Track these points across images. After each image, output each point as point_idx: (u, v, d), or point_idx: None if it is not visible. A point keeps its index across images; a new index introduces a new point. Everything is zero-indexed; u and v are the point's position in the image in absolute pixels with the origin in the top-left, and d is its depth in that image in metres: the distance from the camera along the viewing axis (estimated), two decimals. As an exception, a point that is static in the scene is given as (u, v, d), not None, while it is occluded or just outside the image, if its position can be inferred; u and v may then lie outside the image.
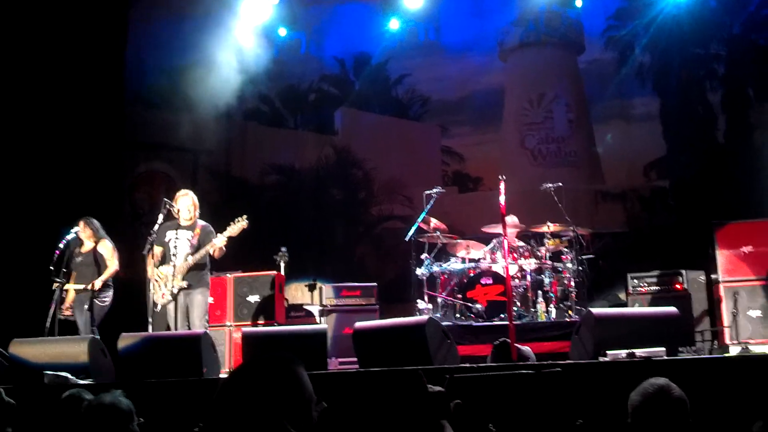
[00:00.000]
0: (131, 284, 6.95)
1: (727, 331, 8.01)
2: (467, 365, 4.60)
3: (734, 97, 11.00)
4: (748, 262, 8.26)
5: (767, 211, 8.70)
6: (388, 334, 5.33)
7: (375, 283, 8.38)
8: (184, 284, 6.40)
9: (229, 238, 6.45)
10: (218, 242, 6.38)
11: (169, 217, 6.58)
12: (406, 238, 7.97)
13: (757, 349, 7.05)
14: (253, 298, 8.34)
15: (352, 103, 11.91)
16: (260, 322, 8.16)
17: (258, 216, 6.81)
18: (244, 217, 6.45)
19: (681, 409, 2.65)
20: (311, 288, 9.16)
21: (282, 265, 8.63)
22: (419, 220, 8.06)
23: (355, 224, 11.12)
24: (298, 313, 8.96)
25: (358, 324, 5.49)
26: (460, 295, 8.09)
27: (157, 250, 6.46)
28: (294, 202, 11.22)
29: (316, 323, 8.19)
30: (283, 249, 8.62)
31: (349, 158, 11.82)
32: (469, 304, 7.95)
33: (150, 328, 6.23)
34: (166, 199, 6.54)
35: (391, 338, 5.24)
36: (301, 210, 11.08)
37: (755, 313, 8.03)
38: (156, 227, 6.43)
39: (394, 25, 11.18)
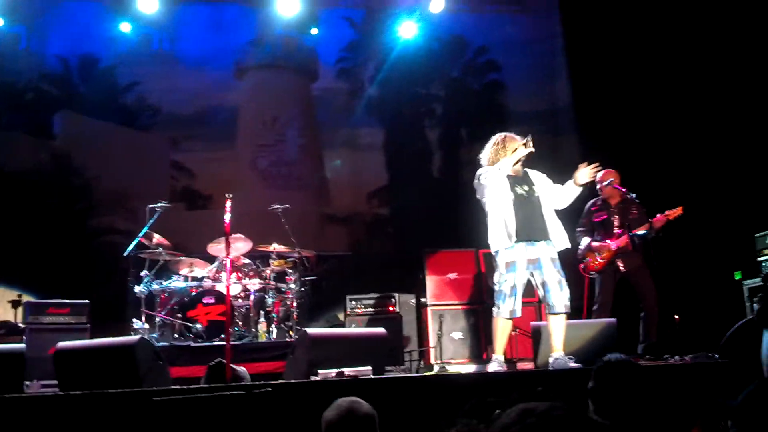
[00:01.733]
0: None
1: (432, 352, 8.71)
2: (175, 387, 4.50)
3: (449, 135, 12.04)
4: (452, 288, 9.09)
5: (470, 242, 9.57)
6: (94, 355, 5.05)
7: (87, 300, 7.88)
8: None
9: None
10: None
11: None
12: (125, 254, 7.65)
13: (455, 368, 7.74)
14: (-58, 312, 7.46)
15: (75, 107, 11.11)
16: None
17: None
18: None
19: (369, 424, 2.84)
20: (15, 304, 8.38)
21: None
22: (141, 234, 7.77)
23: (71, 236, 10.36)
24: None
25: (61, 344, 5.15)
26: (180, 315, 7.92)
27: None
28: (2, 207, 10.19)
29: (15, 342, 7.49)
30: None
31: (68, 165, 11.00)
32: (189, 324, 7.81)
33: None
34: None
35: (96, 359, 4.97)
36: (9, 217, 10.09)
37: (457, 335, 8.84)
38: None
39: (125, 28, 10.70)
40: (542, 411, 1.58)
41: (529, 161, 6.15)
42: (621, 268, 7.29)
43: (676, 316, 7.34)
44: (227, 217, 7.00)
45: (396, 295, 9.21)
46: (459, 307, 9.00)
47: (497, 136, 6.11)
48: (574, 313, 8.17)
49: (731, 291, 7.51)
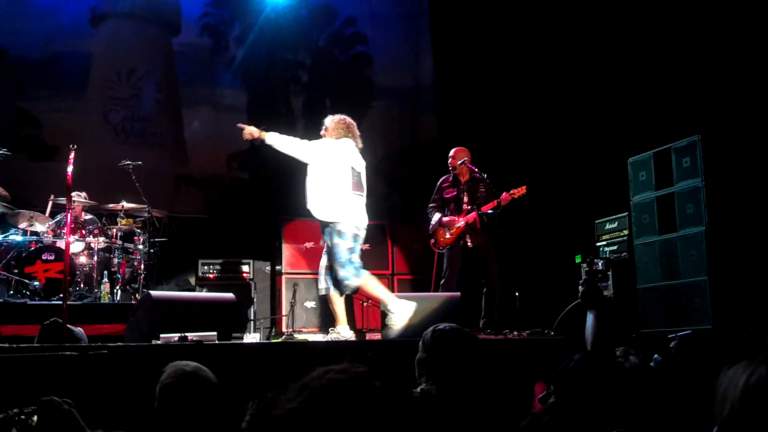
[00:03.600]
0: None
1: (284, 319, 8.70)
2: (4, 345, 4.24)
3: (313, 103, 11.95)
4: (308, 257, 9.10)
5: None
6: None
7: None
8: None
9: None
10: None
11: None
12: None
13: (308, 337, 7.78)
14: None
15: None
16: None
17: None
18: None
19: (211, 393, 2.78)
20: None
21: None
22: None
23: None
24: None
25: None
26: (16, 270, 7.53)
27: None
28: None
29: None
30: None
31: None
32: (26, 281, 7.43)
33: None
34: None
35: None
36: None
37: (310, 304, 8.87)
38: None
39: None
40: (341, 368, 1.58)
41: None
42: (469, 244, 7.55)
43: (516, 293, 7.72)
44: (69, 169, 6.66)
45: (250, 261, 9.12)
46: (314, 276, 9.03)
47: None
48: (422, 286, 8.44)
49: (571, 273, 7.97)
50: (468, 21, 10.94)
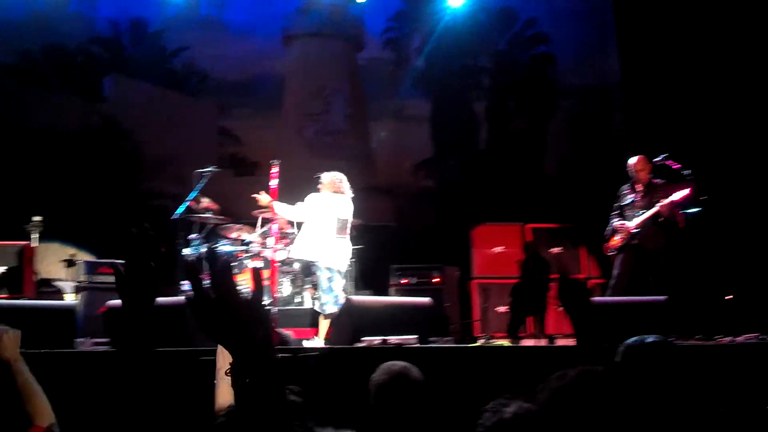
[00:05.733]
0: None
1: (476, 325, 8.69)
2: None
3: (496, 108, 11.88)
4: (499, 262, 9.02)
5: (516, 216, 9.48)
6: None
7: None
8: None
9: None
10: None
11: None
12: (174, 217, 7.70)
13: (500, 341, 7.70)
14: (-3, 269, 7.68)
15: (124, 71, 11.23)
16: (4, 295, 7.54)
17: (9, 181, 6.21)
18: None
19: (420, 392, 2.80)
20: (69, 264, 8.54)
21: (34, 236, 7.97)
22: (189, 198, 7.84)
23: (121, 199, 10.52)
24: (50, 288, 8.34)
25: (111, 302, 5.23)
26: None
27: None
28: (54, 169, 10.37)
29: (67, 300, 7.68)
30: (36, 218, 7.95)
31: (118, 129, 11.15)
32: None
33: None
34: None
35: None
36: (61, 179, 10.27)
37: (502, 309, 8.80)
38: None
39: (174, -8, 10.78)
40: (601, 372, 1.56)
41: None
42: (643, 247, 7.29)
43: (729, 296, 7.20)
44: (273, 183, 7.06)
45: (440, 266, 9.19)
46: (505, 281, 8.95)
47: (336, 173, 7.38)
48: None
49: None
50: (656, 13, 10.37)
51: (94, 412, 3.69)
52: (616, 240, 7.44)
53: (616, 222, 7.49)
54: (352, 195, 7.41)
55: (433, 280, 9.02)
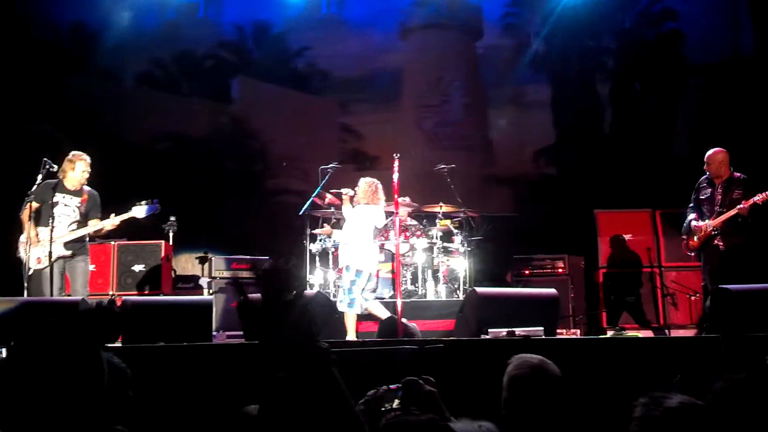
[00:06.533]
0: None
1: (604, 315, 8.45)
2: (350, 340, 4.64)
3: (622, 90, 11.46)
4: (627, 250, 8.72)
5: (645, 202, 9.13)
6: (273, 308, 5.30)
7: (267, 257, 8.31)
8: (67, 252, 6.20)
9: (131, 220, 6.34)
10: (108, 224, 6.24)
11: (51, 177, 6.33)
12: (300, 213, 7.92)
13: (630, 333, 7.46)
14: (139, 268, 8.14)
15: (250, 73, 11.67)
16: (145, 292, 7.98)
17: (147, 183, 6.60)
18: (155, 201, 6.35)
19: (558, 387, 2.76)
20: (202, 260, 8.98)
21: (170, 234, 8.43)
22: (314, 194, 8.04)
23: (249, 197, 10.95)
24: (187, 284, 8.80)
25: (249, 296, 5.42)
26: (349, 271, 8.10)
27: (35, 206, 6.19)
28: (186, 171, 10.92)
29: (204, 295, 8.07)
30: (172, 218, 8.41)
31: (245, 129, 11.61)
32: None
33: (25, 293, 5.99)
34: (46, 159, 6.28)
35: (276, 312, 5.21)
36: (193, 180, 10.80)
37: (631, 299, 8.50)
38: (34, 187, 6.16)
39: (295, -6, 11.08)
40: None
41: None
42: (720, 246, 6.84)
43: None
44: (395, 176, 7.12)
45: (564, 256, 9.00)
46: (634, 270, 8.65)
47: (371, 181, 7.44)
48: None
49: None
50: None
51: (231, 402, 3.86)
52: (695, 241, 7.09)
53: (694, 222, 7.14)
54: (384, 204, 7.49)
55: (558, 270, 8.84)
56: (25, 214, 6.19)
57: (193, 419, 3.93)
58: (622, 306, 8.48)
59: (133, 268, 8.07)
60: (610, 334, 7.20)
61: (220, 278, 8.06)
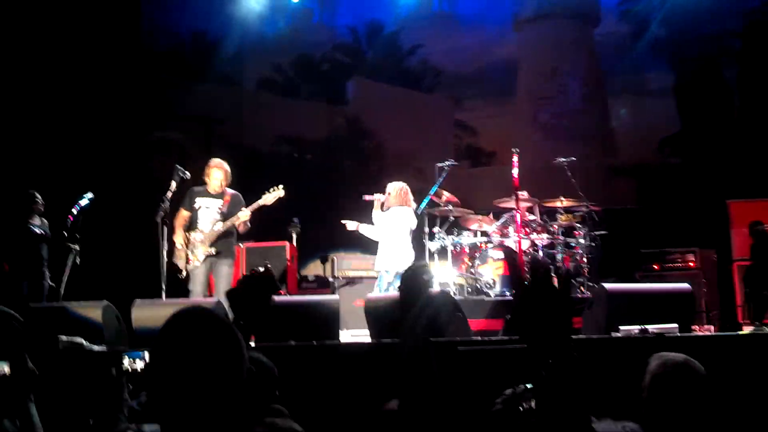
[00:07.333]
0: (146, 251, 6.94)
1: (740, 310, 8.00)
2: (476, 338, 4.60)
3: (750, 73, 10.83)
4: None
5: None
6: (397, 307, 5.33)
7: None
8: (213, 251, 6.50)
9: (262, 207, 6.58)
10: (243, 216, 6.48)
11: (184, 183, 6.64)
12: (418, 211, 7.96)
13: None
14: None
15: (364, 73, 11.84)
16: (282, 291, 8.20)
17: (270, 187, 6.81)
18: (280, 187, 6.58)
19: (703, 386, 2.64)
20: (324, 260, 9.16)
21: (294, 235, 8.64)
22: (431, 192, 8.04)
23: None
24: (310, 284, 8.99)
25: (370, 295, 5.48)
26: (471, 270, 8.09)
27: (185, 214, 6.56)
28: (306, 172, 11.19)
29: (329, 294, 8.22)
30: (295, 220, 8.63)
31: (361, 129, 11.78)
32: (480, 278, 7.96)
33: (163, 294, 6.28)
34: (178, 166, 6.58)
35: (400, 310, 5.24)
36: (312, 181, 11.05)
37: (768, 292, 8.01)
38: (168, 193, 6.46)
39: (406, -9, 11.13)
40: None
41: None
42: None
43: None
44: (515, 171, 7.01)
45: (695, 249, 8.59)
46: (770, 261, 8.15)
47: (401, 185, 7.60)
48: None
49: None
50: None
51: (366, 399, 3.92)
52: None
53: None
54: (414, 206, 7.66)
55: (689, 264, 8.46)
56: (177, 222, 6.56)
57: (330, 417, 4.00)
58: (763, 300, 8.01)
59: (260, 268, 8.33)
60: (748, 330, 6.80)
61: (343, 277, 8.23)
